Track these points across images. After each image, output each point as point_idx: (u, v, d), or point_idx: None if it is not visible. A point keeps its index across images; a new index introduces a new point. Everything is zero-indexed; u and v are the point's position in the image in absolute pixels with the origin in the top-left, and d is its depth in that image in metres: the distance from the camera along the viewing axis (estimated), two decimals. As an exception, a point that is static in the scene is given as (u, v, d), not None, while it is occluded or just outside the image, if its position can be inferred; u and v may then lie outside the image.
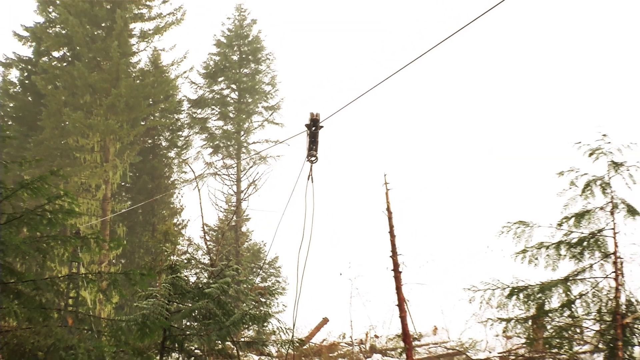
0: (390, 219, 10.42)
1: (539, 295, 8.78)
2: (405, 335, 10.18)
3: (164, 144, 42.42)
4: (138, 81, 37.02)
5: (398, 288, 9.69)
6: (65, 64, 37.53)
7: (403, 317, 10.58)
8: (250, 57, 45.11)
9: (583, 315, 8.66)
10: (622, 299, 8.55)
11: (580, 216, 8.77)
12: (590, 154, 8.73)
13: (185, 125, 43.60)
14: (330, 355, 26.77)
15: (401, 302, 9.65)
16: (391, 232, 10.37)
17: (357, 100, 10.58)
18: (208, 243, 39.28)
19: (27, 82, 38.96)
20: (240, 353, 22.44)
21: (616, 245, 8.59)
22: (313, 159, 10.88)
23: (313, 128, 10.62)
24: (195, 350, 14.65)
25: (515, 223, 8.96)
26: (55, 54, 38.43)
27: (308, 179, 11.03)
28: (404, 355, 24.77)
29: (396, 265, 10.19)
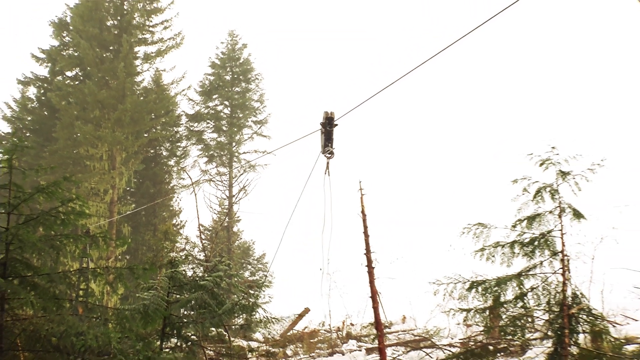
0: (364, 220, 10.42)
1: (495, 288, 8.81)
2: (377, 324, 10.17)
3: (164, 153, 42.54)
4: (142, 98, 37.11)
5: (371, 282, 9.69)
6: (77, 82, 37.58)
7: (375, 308, 10.55)
8: (241, 77, 45.42)
9: (534, 306, 8.70)
10: (569, 292, 8.59)
11: (532, 219, 8.81)
12: (541, 164, 8.80)
13: (184, 137, 43.85)
14: (311, 340, 26.77)
15: (374, 294, 9.65)
16: (365, 232, 10.38)
17: (350, 108, 10.60)
18: (203, 241, 39.24)
19: (43, 98, 39.00)
20: (232, 339, 22.42)
21: (563, 245, 8.64)
22: (329, 155, 10.60)
23: (328, 126, 10.38)
24: (192, 336, 14.62)
25: (474, 225, 9.01)
26: (69, 73, 38.46)
27: (325, 173, 10.76)
28: (376, 341, 24.85)
29: (369, 262, 10.19)
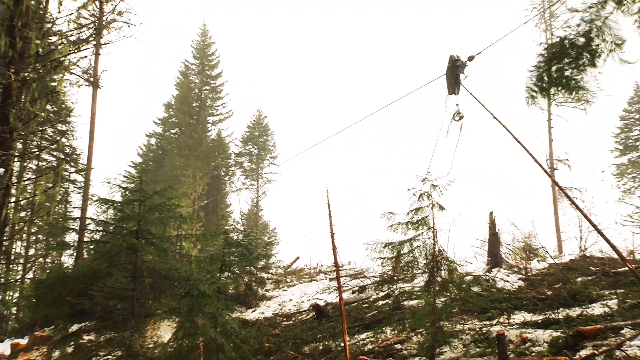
0: (329, 210, 10.27)
1: (398, 246, 8.78)
2: (335, 264, 10.02)
3: (222, 173, 42.33)
4: (210, 144, 37.01)
5: (332, 241, 9.59)
6: (176, 135, 37.54)
7: (334, 254, 10.37)
8: (263, 133, 45.76)
9: (418, 256, 8.68)
10: (436, 249, 8.59)
11: (417, 210, 8.80)
12: (422, 180, 8.80)
13: (232, 165, 43.85)
14: (300, 274, 26.82)
15: (334, 248, 9.55)
16: (329, 215, 10.20)
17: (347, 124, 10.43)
18: (242, 220, 39.17)
19: (159, 144, 39.11)
20: (257, 272, 22.31)
21: (434, 223, 8.64)
22: (456, 93, 7.91)
23: (454, 69, 7.81)
24: (236, 271, 14.53)
25: (387, 212, 8.97)
26: (172, 131, 38.41)
27: (457, 106, 8.05)
28: (335, 274, 24.90)
29: (332, 230, 10.03)
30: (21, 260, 25.94)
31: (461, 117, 7.98)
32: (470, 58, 7.26)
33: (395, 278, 13.82)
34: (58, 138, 25.38)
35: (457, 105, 7.89)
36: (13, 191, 9.01)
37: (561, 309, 11.06)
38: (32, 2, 9.29)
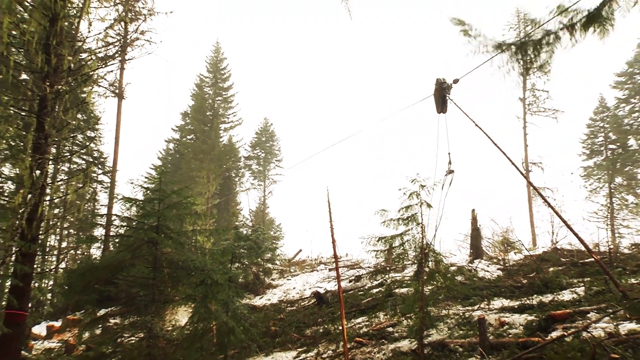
0: (329, 207, 10.19)
1: (390, 240, 8.74)
2: (335, 255, 9.98)
3: (232, 175, 42.22)
4: (222, 149, 36.93)
5: (332, 235, 9.53)
6: (192, 141, 37.47)
7: (334, 247, 10.31)
8: (269, 139, 45.71)
9: (409, 249, 8.66)
10: (424, 242, 8.58)
11: (407, 207, 8.77)
12: (412, 181, 8.77)
13: (242, 167, 43.74)
14: (302, 265, 26.77)
15: (333, 242, 9.50)
16: (329, 212, 10.13)
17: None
18: (251, 216, 39.14)
19: (177, 148, 38.96)
20: (264, 263, 22.30)
21: (422, 220, 8.62)
22: (443, 113, 7.55)
23: (441, 90, 7.45)
24: (245, 262, 14.50)
25: (381, 209, 8.93)
26: (188, 137, 38.33)
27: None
28: (334, 265, 24.89)
29: (331, 226, 9.98)
30: (55, 252, 25.95)
31: (451, 172, 7.91)
32: (455, 81, 7.23)
33: (388, 268, 13.81)
34: (87, 143, 25.38)
35: (449, 163, 7.77)
36: (48, 191, 9.02)
37: (535, 295, 11.07)
38: (66, 23, 9.30)
